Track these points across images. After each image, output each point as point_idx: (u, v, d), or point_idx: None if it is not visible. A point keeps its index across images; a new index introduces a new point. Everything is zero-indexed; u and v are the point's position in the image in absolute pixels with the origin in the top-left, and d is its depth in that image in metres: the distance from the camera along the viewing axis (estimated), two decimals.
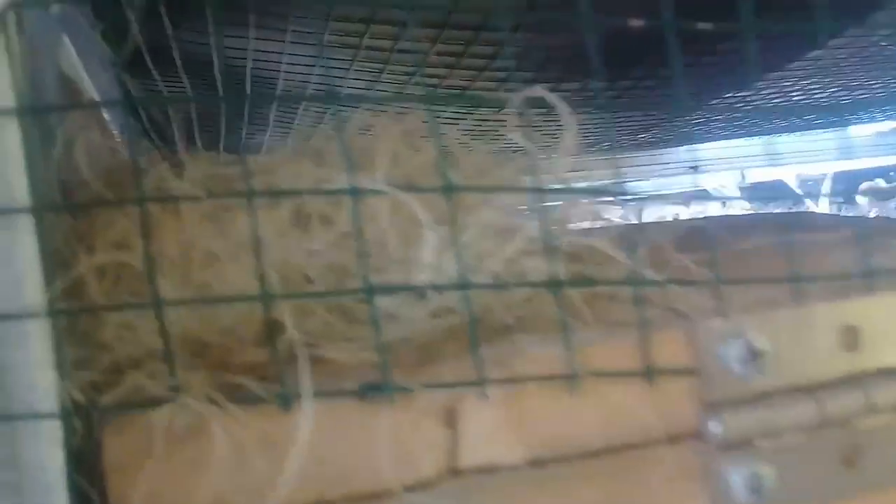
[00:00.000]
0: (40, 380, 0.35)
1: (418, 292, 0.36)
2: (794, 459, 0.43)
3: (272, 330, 0.35)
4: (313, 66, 0.98)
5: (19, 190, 0.35)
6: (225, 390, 0.35)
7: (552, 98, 0.37)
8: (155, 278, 0.34)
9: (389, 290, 0.37)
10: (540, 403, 0.39)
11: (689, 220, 1.02)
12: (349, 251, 0.38)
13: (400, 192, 0.35)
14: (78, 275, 0.35)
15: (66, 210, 0.37)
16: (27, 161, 0.35)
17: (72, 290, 0.36)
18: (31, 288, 0.35)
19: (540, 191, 0.38)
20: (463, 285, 0.37)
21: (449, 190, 0.37)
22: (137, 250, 0.37)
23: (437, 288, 0.36)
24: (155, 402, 0.34)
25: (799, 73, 1.10)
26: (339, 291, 0.37)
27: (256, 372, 0.36)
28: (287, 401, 0.35)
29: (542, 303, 0.42)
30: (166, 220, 0.38)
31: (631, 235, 0.44)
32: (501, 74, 0.99)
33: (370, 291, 0.36)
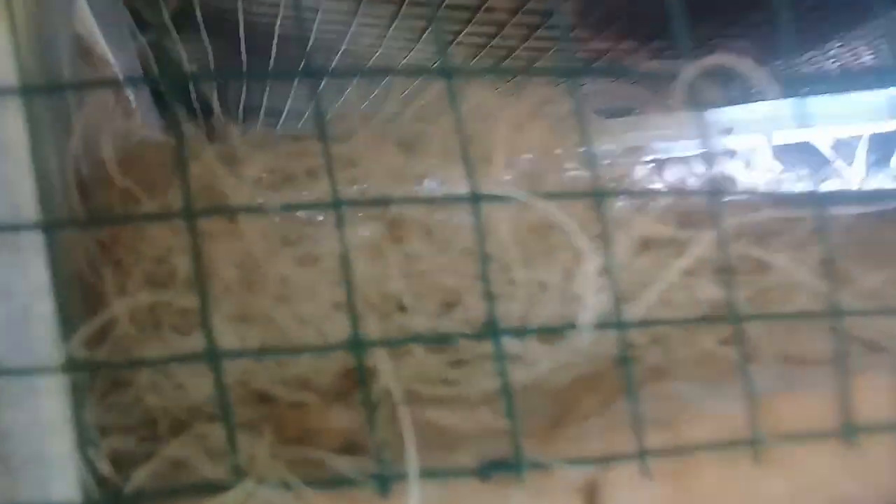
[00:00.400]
0: (53, 447, 0.26)
1: (562, 332, 0.27)
2: None
3: (363, 383, 0.26)
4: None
5: (24, 196, 0.26)
6: (300, 467, 0.25)
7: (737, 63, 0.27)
8: (208, 315, 0.24)
9: (520, 333, 0.27)
10: (714, 475, 0.30)
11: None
12: (457, 272, 0.28)
13: (539, 199, 0.25)
14: (105, 317, 0.25)
15: (87, 226, 0.28)
16: (33, 155, 0.26)
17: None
18: (41, 329, 0.26)
19: (717, 190, 0.28)
20: (621, 324, 0.27)
21: (601, 196, 0.27)
22: (180, 273, 0.28)
23: (592, 329, 0.26)
24: (207, 487, 0.25)
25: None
26: (453, 333, 0.28)
27: (339, 439, 0.27)
28: (386, 484, 0.26)
29: (701, 335, 0.32)
30: (219, 229, 0.29)
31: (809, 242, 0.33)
32: (556, 33, 0.89)
33: (495, 333, 0.26)
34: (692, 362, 0.32)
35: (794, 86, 0.32)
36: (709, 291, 0.30)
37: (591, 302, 0.25)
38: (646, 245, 0.31)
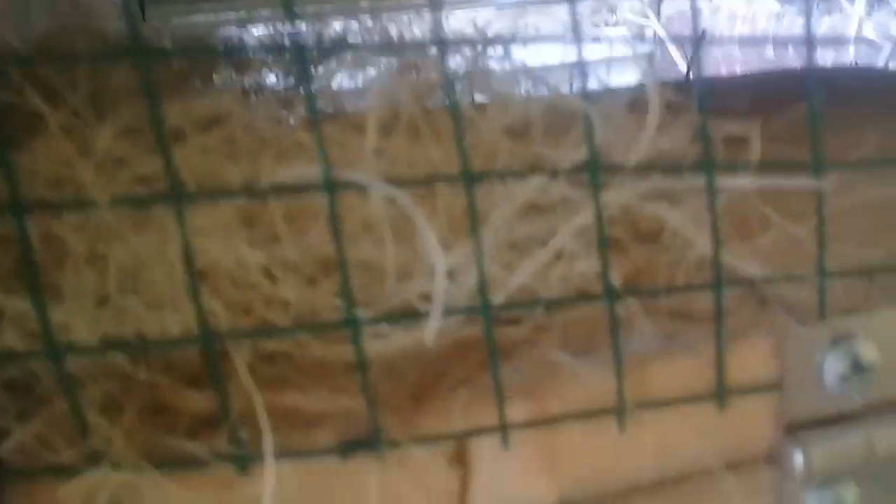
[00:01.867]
0: None
1: (417, 318, 0.26)
2: (892, 499, 0.34)
3: (216, 367, 0.26)
4: None
5: None
6: (159, 450, 0.26)
7: None
8: (38, 285, 0.24)
9: (381, 320, 0.26)
10: (579, 438, 0.30)
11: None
12: (320, 256, 0.28)
13: (390, 188, 0.24)
14: None
15: None
16: None
17: None
18: None
19: (593, 165, 0.27)
20: (484, 308, 0.27)
21: (470, 179, 0.25)
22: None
23: (450, 314, 0.26)
24: (64, 471, 0.25)
25: None
26: (311, 325, 0.27)
27: (199, 421, 0.27)
28: (244, 463, 0.26)
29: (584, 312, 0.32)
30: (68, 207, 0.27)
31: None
32: None
33: (354, 323, 0.26)
34: (569, 326, 0.32)
35: None
36: (587, 264, 0.29)
37: (440, 295, 0.25)
38: (527, 210, 0.30)
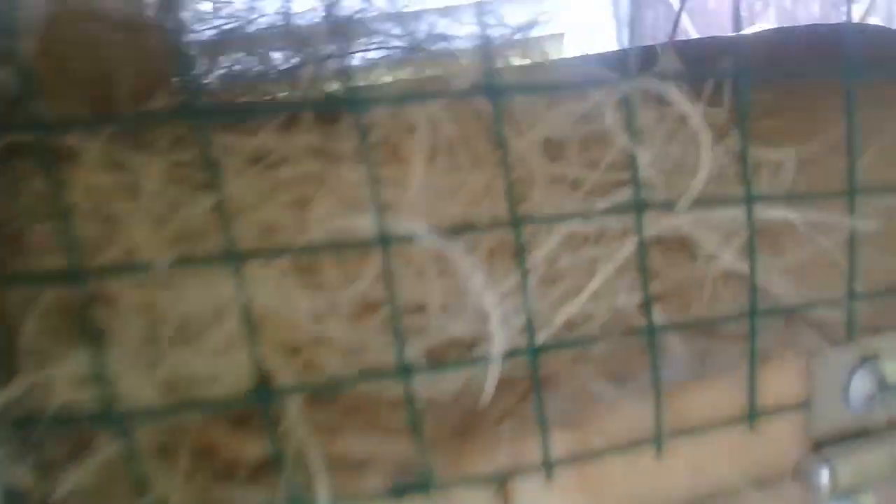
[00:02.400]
0: None
1: (473, 362, 0.27)
2: None
3: (272, 420, 0.26)
4: None
5: None
6: (215, 498, 0.26)
7: None
8: (99, 347, 0.23)
9: (436, 368, 0.27)
10: (619, 469, 0.31)
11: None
12: (368, 296, 0.28)
13: (442, 240, 0.24)
14: None
15: None
16: None
17: None
18: None
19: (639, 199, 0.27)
20: (531, 351, 0.27)
21: (518, 224, 0.26)
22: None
23: (502, 358, 0.26)
24: None
25: None
26: (364, 374, 0.27)
27: (253, 467, 0.27)
28: None
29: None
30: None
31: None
32: None
33: (406, 372, 0.26)
34: (606, 354, 0.32)
35: None
36: (626, 298, 0.30)
37: (498, 338, 0.25)
38: (565, 244, 0.30)
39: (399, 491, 0.27)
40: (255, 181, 0.28)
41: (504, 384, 0.31)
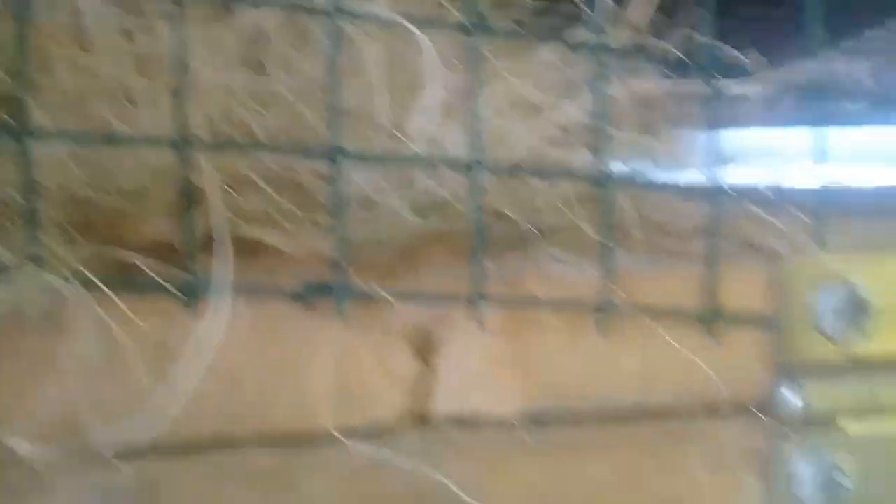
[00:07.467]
0: None
1: (404, 168, 0.25)
2: (888, 456, 0.32)
3: (189, 196, 0.24)
4: None
5: None
6: (110, 269, 0.24)
7: None
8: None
9: (365, 158, 0.25)
10: (555, 340, 0.28)
11: None
12: (316, 99, 0.27)
13: (402, 19, 0.24)
14: None
15: None
16: None
17: None
18: None
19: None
20: (473, 164, 0.25)
21: (470, 30, 0.25)
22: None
23: (435, 163, 0.25)
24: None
25: None
26: (293, 145, 0.26)
27: (159, 253, 0.25)
28: (194, 293, 0.24)
29: (577, 217, 0.30)
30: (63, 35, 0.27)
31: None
32: None
33: (337, 154, 0.24)
34: (560, 239, 0.30)
35: None
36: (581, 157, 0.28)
37: (433, 136, 0.24)
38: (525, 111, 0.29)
39: (309, 292, 0.25)
40: None
41: (445, 238, 0.29)
